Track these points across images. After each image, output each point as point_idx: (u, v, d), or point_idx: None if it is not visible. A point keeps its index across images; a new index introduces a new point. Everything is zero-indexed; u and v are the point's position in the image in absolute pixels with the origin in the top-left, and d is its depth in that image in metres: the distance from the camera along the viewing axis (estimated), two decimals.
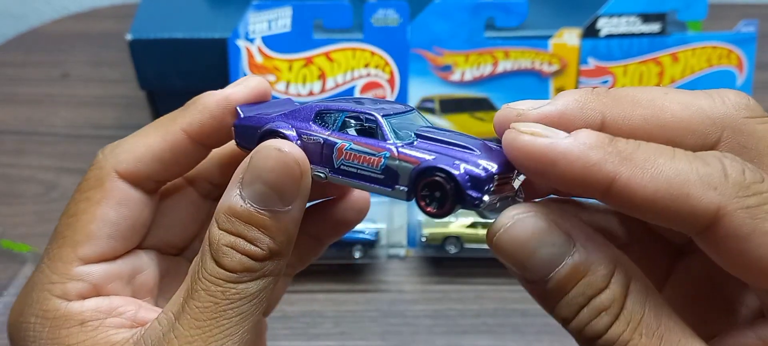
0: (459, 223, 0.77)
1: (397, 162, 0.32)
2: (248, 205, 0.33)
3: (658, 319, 0.29)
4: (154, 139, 0.38)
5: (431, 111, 0.83)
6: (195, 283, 0.33)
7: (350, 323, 0.74)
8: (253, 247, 0.33)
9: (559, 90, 0.83)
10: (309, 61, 0.81)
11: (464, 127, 0.83)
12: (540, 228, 0.30)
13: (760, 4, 1.17)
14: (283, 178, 0.33)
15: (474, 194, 0.31)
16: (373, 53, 0.81)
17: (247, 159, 0.34)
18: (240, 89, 0.38)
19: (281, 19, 0.81)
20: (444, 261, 0.79)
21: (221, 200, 0.34)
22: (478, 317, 0.74)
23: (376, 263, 0.79)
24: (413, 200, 0.32)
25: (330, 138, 0.34)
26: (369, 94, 0.82)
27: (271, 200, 0.33)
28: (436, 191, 0.31)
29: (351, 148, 0.33)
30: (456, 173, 0.31)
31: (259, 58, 0.81)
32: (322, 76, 0.81)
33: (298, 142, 0.35)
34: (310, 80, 0.81)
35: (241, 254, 0.33)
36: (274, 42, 0.81)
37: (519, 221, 0.30)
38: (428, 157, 0.32)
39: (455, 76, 0.83)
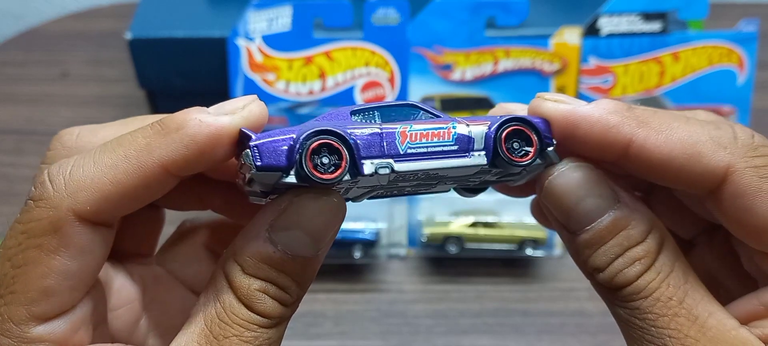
0: (460, 222, 0.77)
1: (468, 129, 0.31)
2: (282, 251, 0.30)
3: (685, 277, 0.31)
4: (124, 174, 0.30)
5: None
6: (222, 329, 0.30)
7: (350, 323, 0.73)
8: (284, 293, 0.31)
9: (560, 89, 0.83)
10: (309, 60, 0.81)
11: None
12: (591, 178, 0.32)
13: (761, 3, 1.17)
14: (330, 228, 0.31)
15: (548, 136, 0.32)
16: (373, 52, 0.81)
17: (282, 202, 0.31)
18: (237, 120, 0.31)
19: (281, 18, 0.81)
20: (444, 261, 0.79)
21: (244, 242, 0.31)
22: (478, 317, 0.74)
23: (376, 263, 0.79)
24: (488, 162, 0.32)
25: (386, 127, 0.31)
26: (369, 93, 0.82)
27: (306, 247, 0.31)
28: (514, 143, 0.32)
29: (415, 129, 0.31)
30: (533, 120, 0.32)
31: (258, 57, 0.81)
32: (322, 75, 0.81)
33: (355, 136, 0.30)
34: (310, 79, 0.81)
35: (273, 300, 0.31)
36: (274, 41, 0.80)
37: (573, 168, 0.32)
38: (488, 121, 0.32)
39: (456, 75, 0.83)
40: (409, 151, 0.31)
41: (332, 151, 0.30)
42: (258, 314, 0.30)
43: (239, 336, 0.30)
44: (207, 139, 0.30)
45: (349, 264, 0.77)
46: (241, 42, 0.80)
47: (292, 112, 0.81)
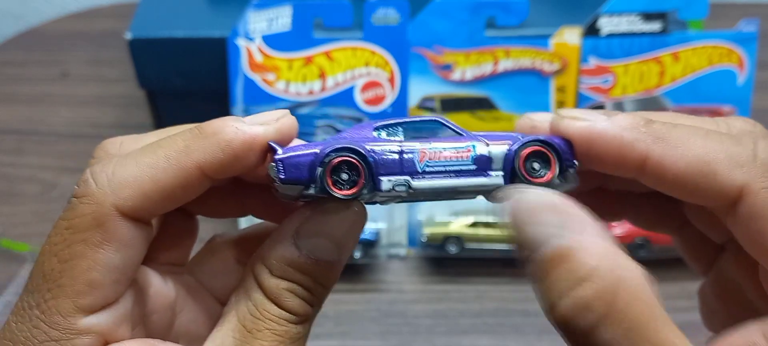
0: (460, 222, 0.77)
1: (488, 149, 0.32)
2: (306, 256, 0.33)
3: (662, 329, 0.28)
4: (163, 173, 0.32)
5: (432, 110, 0.83)
6: (255, 323, 0.32)
7: (350, 323, 0.73)
8: (309, 294, 0.33)
9: (560, 89, 0.83)
10: (309, 60, 0.81)
11: (465, 126, 0.82)
12: (530, 205, 0.29)
13: (761, 3, 1.17)
14: (351, 235, 0.33)
15: (570, 158, 0.32)
16: (373, 52, 0.81)
17: (307, 210, 0.33)
18: (270, 131, 0.33)
19: (281, 18, 0.81)
20: (444, 261, 0.79)
21: (271, 246, 0.33)
22: (478, 317, 0.74)
23: (376, 263, 0.79)
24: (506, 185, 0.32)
25: (406, 145, 0.32)
26: (369, 94, 0.82)
27: (329, 252, 0.33)
28: (535, 163, 0.32)
29: (434, 148, 0.32)
30: (555, 142, 0.32)
31: (258, 57, 0.81)
32: (322, 75, 0.81)
33: (373, 154, 0.32)
34: (310, 79, 0.81)
35: (300, 299, 0.33)
36: (274, 41, 0.80)
37: (519, 196, 0.30)
38: (510, 140, 0.32)
39: (456, 75, 0.83)
40: (427, 169, 0.32)
41: (352, 167, 0.31)
42: (287, 311, 0.33)
43: (272, 330, 0.32)
44: (241, 145, 0.32)
45: (349, 264, 0.77)
46: (241, 42, 0.80)
47: (293, 113, 0.81)
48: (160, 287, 0.38)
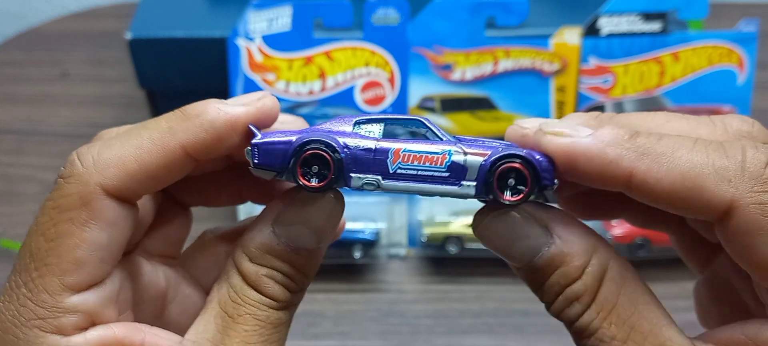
0: (460, 222, 0.77)
1: (464, 157, 0.32)
2: (284, 244, 0.33)
3: (633, 306, 0.31)
4: (148, 154, 0.32)
5: (432, 110, 0.83)
6: (236, 309, 0.33)
7: (350, 323, 0.73)
8: (289, 281, 0.34)
9: (560, 89, 0.83)
10: (309, 60, 0.81)
11: (465, 126, 0.83)
12: (516, 221, 0.32)
13: (761, 3, 1.17)
14: (329, 224, 0.34)
15: (550, 176, 0.31)
16: (373, 52, 0.81)
17: (285, 199, 0.34)
18: (251, 111, 0.33)
19: (281, 18, 0.81)
20: (444, 261, 0.79)
21: (251, 235, 0.34)
22: (478, 317, 0.74)
23: (376, 263, 0.79)
24: (474, 196, 0.32)
25: (381, 144, 0.32)
26: (369, 94, 0.82)
27: (308, 241, 0.34)
28: (511, 178, 0.31)
29: (409, 150, 0.32)
30: (534, 159, 0.31)
31: (258, 57, 0.80)
32: (322, 75, 0.81)
33: (346, 149, 0.32)
34: (310, 79, 0.81)
35: (280, 285, 0.34)
36: (274, 41, 0.80)
37: (494, 219, 0.32)
38: (488, 151, 0.32)
39: (456, 75, 0.83)
40: (398, 171, 0.32)
41: (323, 160, 0.32)
42: (267, 297, 0.33)
43: (253, 315, 0.33)
44: (224, 125, 0.32)
45: (349, 264, 0.77)
46: (241, 42, 0.80)
47: (292, 113, 0.81)
48: (151, 276, 0.39)
